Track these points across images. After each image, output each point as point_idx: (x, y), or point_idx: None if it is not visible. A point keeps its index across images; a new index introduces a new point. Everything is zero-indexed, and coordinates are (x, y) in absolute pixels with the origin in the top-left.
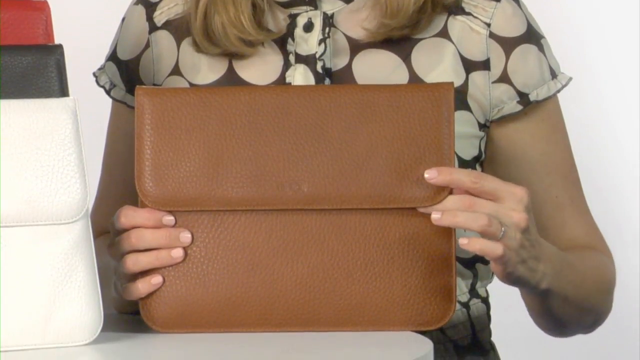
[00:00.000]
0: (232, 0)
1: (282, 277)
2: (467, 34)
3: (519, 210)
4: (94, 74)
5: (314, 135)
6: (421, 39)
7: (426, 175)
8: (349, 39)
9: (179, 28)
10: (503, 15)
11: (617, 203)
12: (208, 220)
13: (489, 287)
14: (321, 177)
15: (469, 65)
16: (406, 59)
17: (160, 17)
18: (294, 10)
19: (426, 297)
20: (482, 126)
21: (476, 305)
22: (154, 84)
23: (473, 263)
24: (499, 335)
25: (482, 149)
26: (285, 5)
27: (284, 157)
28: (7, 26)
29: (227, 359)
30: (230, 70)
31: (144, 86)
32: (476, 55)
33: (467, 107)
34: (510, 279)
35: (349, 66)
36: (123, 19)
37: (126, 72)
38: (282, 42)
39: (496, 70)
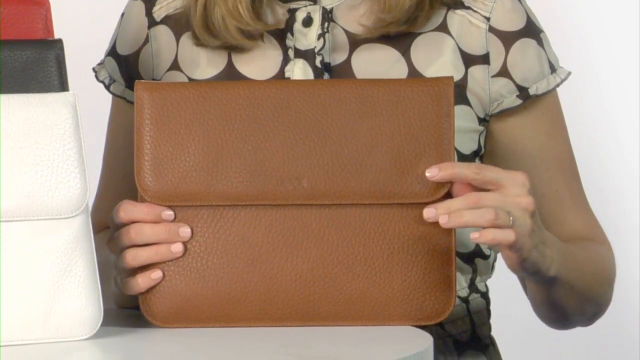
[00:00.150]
0: None
1: (281, 272)
2: (467, 28)
3: (524, 195)
4: (93, 69)
5: (314, 130)
6: (420, 34)
7: (427, 174)
8: (348, 33)
9: (178, 23)
10: (502, 9)
11: (617, 203)
12: (207, 215)
13: (488, 282)
14: (321, 172)
15: (469, 60)
16: (405, 53)
17: (159, 12)
18: (293, 5)
19: (426, 292)
20: (482, 120)
21: (476, 300)
22: (153, 79)
23: (472, 258)
24: (498, 330)
25: (482, 144)
26: (284, 0)
27: (283, 152)
28: (7, 21)
29: (226, 353)
30: (230, 65)
31: (143, 81)
32: (476, 50)
33: (466, 102)
34: (525, 266)
35: (348, 61)
36: (122, 14)
37: (125, 67)
38: (281, 37)
39: (496, 64)
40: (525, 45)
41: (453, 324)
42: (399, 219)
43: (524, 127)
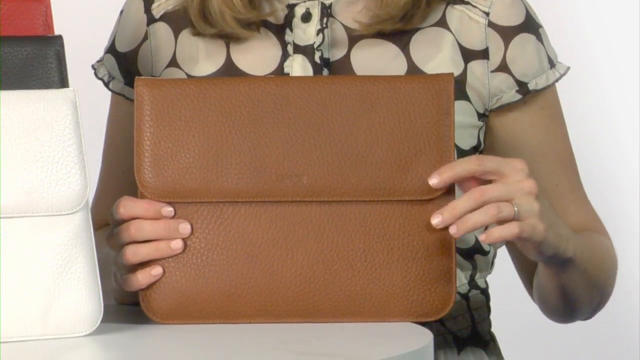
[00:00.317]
0: None
1: (282, 269)
2: (466, 23)
3: (525, 179)
4: (92, 66)
5: (314, 126)
6: (419, 29)
7: (431, 183)
8: (347, 29)
9: (176, 20)
10: (502, 4)
11: (617, 203)
12: (207, 211)
13: (488, 279)
14: (321, 168)
15: (468, 55)
16: (404, 48)
17: (158, 9)
18: (292, 1)
19: (426, 289)
20: (481, 116)
21: (476, 296)
22: (152, 76)
23: (472, 254)
24: (498, 326)
25: (481, 139)
26: None
27: (283, 149)
28: (7, 17)
29: (226, 350)
30: (229, 61)
31: (143, 77)
32: (475, 45)
33: (466, 97)
34: (542, 249)
35: (347, 56)
36: (121, 12)
37: (124, 65)
38: (280, 32)
39: (495, 59)
40: (524, 41)
41: (453, 321)
42: (399, 215)
43: (524, 122)
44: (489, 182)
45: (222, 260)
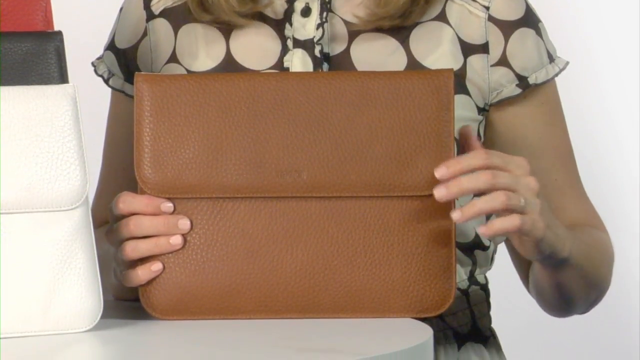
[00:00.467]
0: None
1: (281, 264)
2: (466, 17)
3: (528, 175)
4: (92, 63)
5: (314, 122)
6: (419, 23)
7: (437, 175)
8: (346, 23)
9: (176, 16)
10: None
11: (617, 203)
12: (207, 207)
13: (488, 274)
14: (321, 164)
15: (468, 49)
16: (404, 43)
17: (157, 5)
18: None
19: (426, 284)
20: (481, 110)
21: (475, 292)
22: (152, 72)
23: (472, 250)
24: (499, 322)
25: (481, 133)
26: None
27: (283, 144)
28: (7, 13)
29: (226, 345)
30: (228, 56)
31: (143, 73)
32: (475, 39)
33: (465, 91)
34: (541, 247)
35: (347, 51)
36: (121, 9)
37: (124, 61)
38: (279, 27)
39: (495, 53)
40: (524, 35)
41: (453, 316)
42: (399, 210)
43: (524, 116)
44: None
45: (221, 256)
